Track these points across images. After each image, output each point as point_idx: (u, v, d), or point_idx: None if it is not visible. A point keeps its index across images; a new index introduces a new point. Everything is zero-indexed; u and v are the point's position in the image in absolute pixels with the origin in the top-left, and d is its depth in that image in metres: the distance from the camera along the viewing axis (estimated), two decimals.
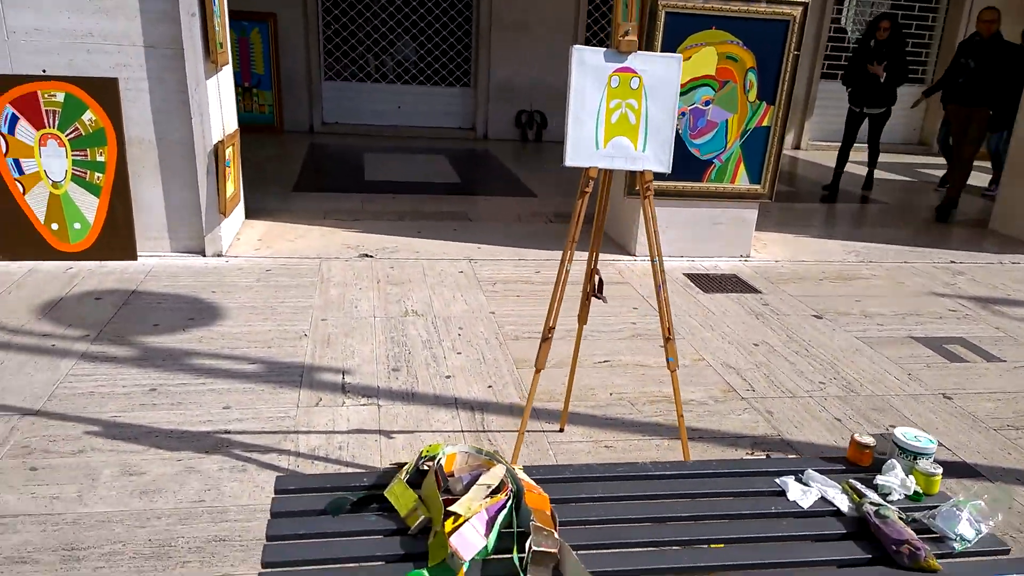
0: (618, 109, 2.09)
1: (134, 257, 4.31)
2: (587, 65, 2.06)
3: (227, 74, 4.72)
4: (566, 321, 3.74)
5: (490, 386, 3.07)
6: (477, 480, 1.52)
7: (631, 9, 2.10)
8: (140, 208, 4.31)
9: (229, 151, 4.42)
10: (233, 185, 4.57)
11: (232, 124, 4.82)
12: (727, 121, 4.61)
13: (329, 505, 1.55)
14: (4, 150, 4.03)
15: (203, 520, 2.21)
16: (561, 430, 2.71)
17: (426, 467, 1.61)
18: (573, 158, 2.09)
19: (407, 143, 8.97)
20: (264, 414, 2.80)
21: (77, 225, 4.20)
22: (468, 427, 2.75)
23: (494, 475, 1.53)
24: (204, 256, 4.45)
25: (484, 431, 2.73)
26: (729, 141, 4.64)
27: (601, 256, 4.81)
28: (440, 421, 2.79)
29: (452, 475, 1.57)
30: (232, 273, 4.23)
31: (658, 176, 4.28)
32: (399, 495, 1.53)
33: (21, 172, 4.08)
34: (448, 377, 3.13)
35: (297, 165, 7.35)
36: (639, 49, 2.07)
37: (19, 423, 2.65)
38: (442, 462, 1.58)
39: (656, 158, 2.12)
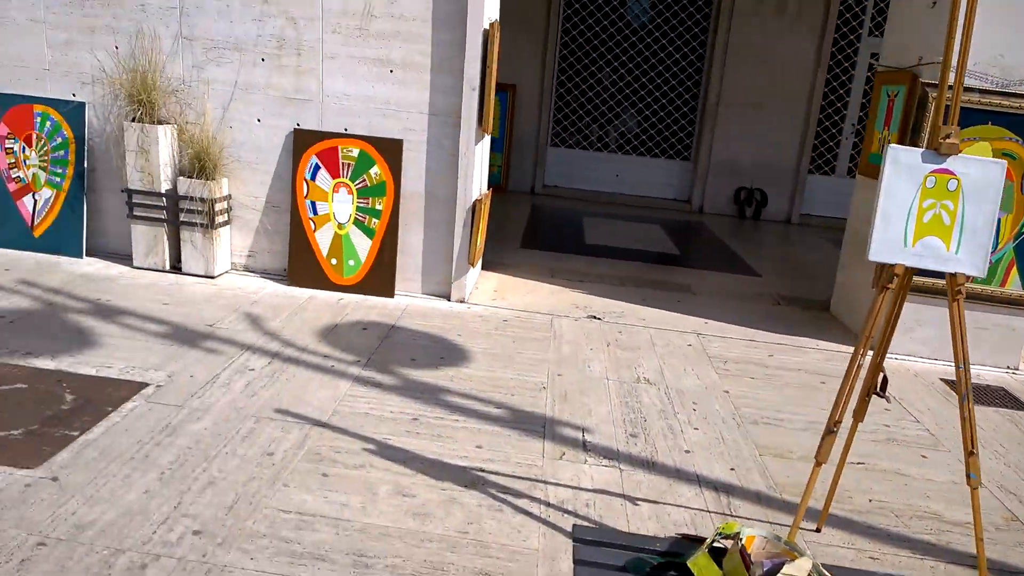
0: (931, 209, 2.06)
1: (391, 295, 4.79)
2: (902, 164, 2.06)
3: (487, 140, 5.18)
4: (820, 414, 3.62)
5: (732, 469, 3.03)
6: (780, 569, 1.54)
7: (953, 114, 2.08)
8: (401, 252, 4.80)
9: (482, 208, 4.82)
10: (481, 239, 4.96)
11: (485, 184, 5.25)
12: (999, 220, 4.28)
13: (629, 563, 1.64)
14: (305, 193, 4.70)
15: (469, 551, 2.38)
16: (818, 530, 2.61)
17: (721, 544, 1.66)
18: (878, 253, 2.08)
19: (623, 210, 9.19)
20: (513, 459, 2.97)
21: (351, 262, 4.76)
22: (714, 508, 2.74)
23: (800, 567, 1.54)
24: (449, 301, 4.84)
25: (732, 515, 2.70)
26: (1001, 241, 4.30)
27: (842, 349, 4.61)
28: (684, 496, 2.80)
29: (750, 558, 1.60)
30: (474, 320, 4.56)
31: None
32: (703, 567, 1.58)
33: (315, 213, 4.73)
34: (687, 452, 3.14)
35: (522, 223, 7.79)
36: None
37: (311, 431, 3.03)
38: (742, 542, 1.62)
39: (970, 261, 2.05)
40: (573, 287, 5.50)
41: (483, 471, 2.87)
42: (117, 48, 4.64)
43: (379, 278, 4.78)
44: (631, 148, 9.78)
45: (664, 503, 2.75)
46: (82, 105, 4.76)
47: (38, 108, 4.80)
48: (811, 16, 8.91)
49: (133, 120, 4.55)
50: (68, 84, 4.75)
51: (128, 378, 3.33)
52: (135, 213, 4.70)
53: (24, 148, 4.84)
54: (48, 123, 4.80)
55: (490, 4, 4.39)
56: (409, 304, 4.73)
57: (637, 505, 2.72)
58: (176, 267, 4.86)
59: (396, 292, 4.85)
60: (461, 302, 4.85)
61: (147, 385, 3.28)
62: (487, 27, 4.35)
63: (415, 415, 3.26)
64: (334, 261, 4.78)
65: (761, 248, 7.70)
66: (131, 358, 3.53)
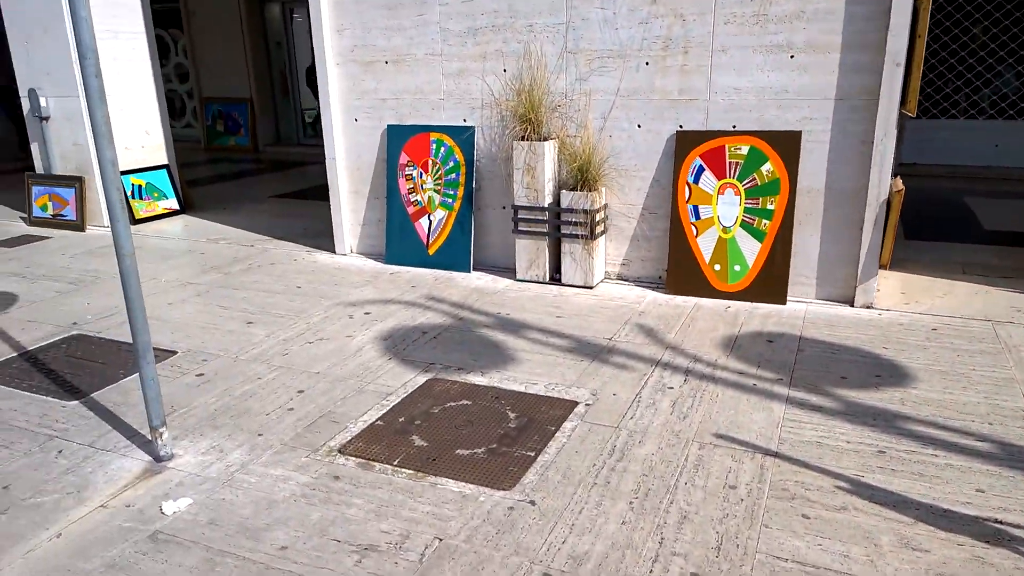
0: None
1: (783, 301, 4.37)
2: None
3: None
4: None
5: None
6: None
7: None
8: (794, 254, 4.35)
9: (897, 201, 4.17)
10: (892, 236, 4.31)
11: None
12: None
13: None
14: (687, 197, 4.48)
15: None
16: None
17: None
18: None
19: (1013, 187, 7.65)
20: None
21: (737, 267, 4.44)
22: None
23: None
24: (852, 307, 4.28)
25: None
26: None
27: None
28: None
29: None
30: (893, 328, 3.95)
31: None
32: None
33: (697, 217, 4.48)
34: None
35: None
36: None
37: (764, 462, 2.74)
38: None
39: None
40: (997, 285, 4.56)
41: (1001, 523, 2.33)
42: (505, 71, 4.85)
43: (768, 283, 4.38)
44: (1016, 112, 8.12)
45: None
46: (472, 129, 5.08)
47: (434, 136, 5.23)
48: None
49: (521, 139, 4.72)
50: (460, 111, 5.10)
51: (555, 395, 3.36)
52: (520, 228, 4.88)
53: (421, 174, 5.31)
54: (442, 149, 5.21)
55: None
56: (807, 311, 4.26)
57: None
58: (555, 278, 4.95)
59: (788, 298, 4.41)
60: (868, 308, 4.25)
61: (576, 404, 3.27)
62: None
63: (879, 447, 2.81)
64: (717, 267, 4.49)
65: None
66: (549, 374, 3.58)
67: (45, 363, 3.82)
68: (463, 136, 5.11)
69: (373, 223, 5.67)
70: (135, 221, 6.77)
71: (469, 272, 5.24)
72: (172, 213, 7.13)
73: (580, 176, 4.63)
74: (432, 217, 5.34)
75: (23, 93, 6.54)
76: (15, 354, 3.95)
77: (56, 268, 5.56)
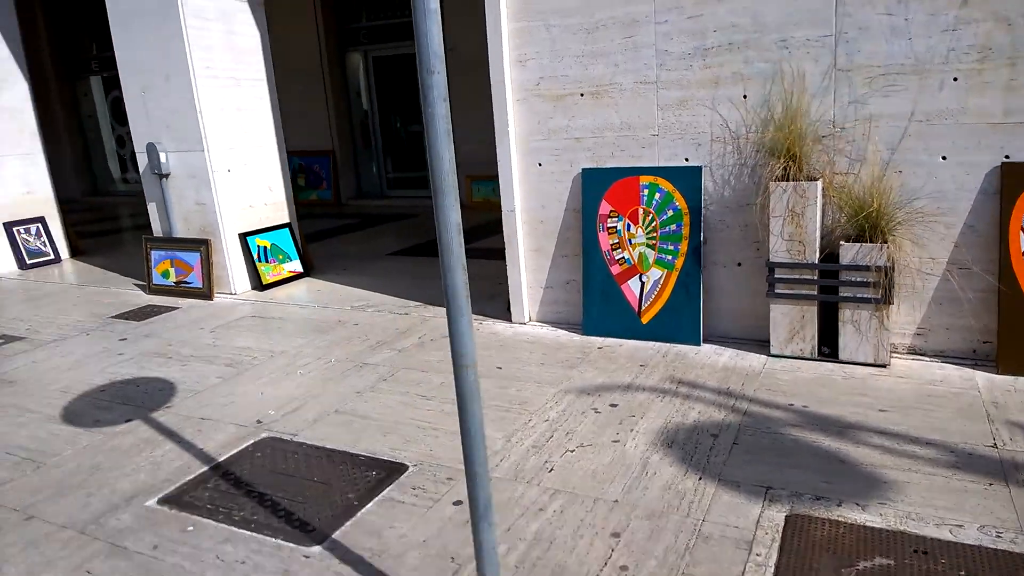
0: None
1: None
2: None
3: None
4: None
5: None
6: None
7: None
8: None
9: None
10: None
11: None
12: None
13: None
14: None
15: None
16: None
17: None
18: None
19: None
20: None
21: None
22: None
23: None
24: None
25: None
26: None
27: None
28: None
29: None
30: None
31: None
32: None
33: None
34: None
35: None
36: None
37: None
38: None
39: None
40: None
41: None
42: (746, 97, 3.93)
43: None
44: None
45: None
46: (698, 170, 4.14)
47: (645, 180, 4.30)
48: None
49: (782, 179, 3.77)
50: (680, 148, 4.18)
51: (1010, 548, 2.30)
52: (777, 291, 3.90)
53: (629, 226, 4.37)
54: (657, 195, 4.27)
55: None
56: None
57: None
58: (823, 352, 3.91)
59: None
60: None
61: None
62: None
63: None
64: None
65: None
66: (961, 508, 2.50)
67: (248, 482, 2.88)
68: (688, 178, 4.17)
69: (559, 286, 4.72)
70: (263, 287, 5.92)
71: (699, 345, 4.24)
72: (296, 276, 6.28)
73: (866, 223, 3.65)
74: (645, 278, 4.37)
75: (139, 149, 5.79)
76: (205, 468, 3.02)
77: (201, 346, 4.69)
